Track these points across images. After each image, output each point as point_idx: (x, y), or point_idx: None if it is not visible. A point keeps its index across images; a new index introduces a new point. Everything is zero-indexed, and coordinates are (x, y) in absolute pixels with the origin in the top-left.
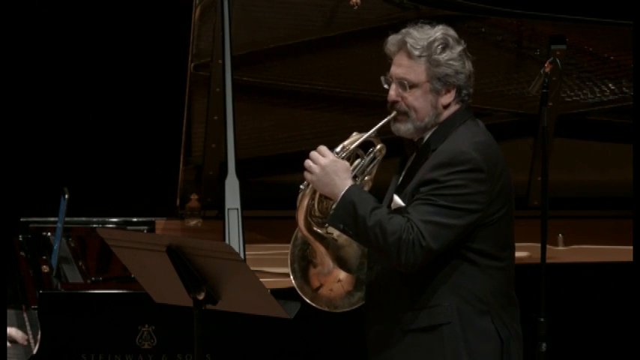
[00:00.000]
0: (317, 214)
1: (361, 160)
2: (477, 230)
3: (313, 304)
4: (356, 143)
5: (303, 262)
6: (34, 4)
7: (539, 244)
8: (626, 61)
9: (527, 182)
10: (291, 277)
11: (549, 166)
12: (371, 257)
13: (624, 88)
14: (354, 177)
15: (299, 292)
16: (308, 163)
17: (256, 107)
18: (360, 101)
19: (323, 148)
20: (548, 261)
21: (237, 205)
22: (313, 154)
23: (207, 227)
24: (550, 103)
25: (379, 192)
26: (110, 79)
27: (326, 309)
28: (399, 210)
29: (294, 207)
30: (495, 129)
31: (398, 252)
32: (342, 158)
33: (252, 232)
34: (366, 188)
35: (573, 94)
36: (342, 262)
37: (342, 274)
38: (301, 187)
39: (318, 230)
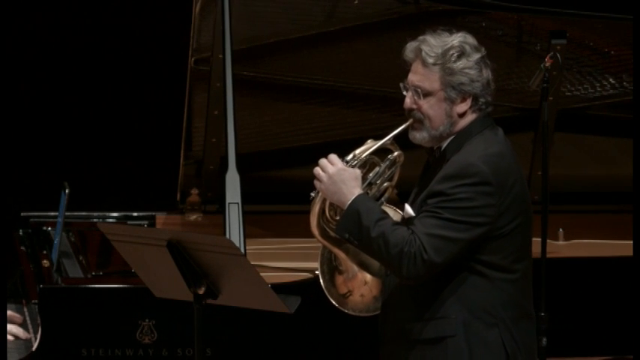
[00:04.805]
0: (330, 219)
1: (378, 168)
2: (486, 242)
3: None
4: (368, 151)
5: (332, 272)
6: (34, 2)
7: (539, 239)
8: (627, 55)
9: (527, 177)
10: (326, 293)
11: (549, 160)
12: None
13: (624, 83)
14: (370, 184)
15: (338, 306)
16: (317, 170)
17: (257, 102)
18: (360, 96)
19: (332, 156)
20: (548, 255)
21: (238, 199)
22: (322, 161)
23: (207, 222)
24: (550, 98)
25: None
26: (110, 74)
27: (365, 314)
28: (409, 220)
29: (294, 201)
30: (496, 124)
31: (399, 264)
32: (353, 166)
33: (253, 226)
34: (387, 195)
35: (574, 88)
36: (364, 266)
37: (368, 277)
38: (312, 194)
39: (334, 235)
